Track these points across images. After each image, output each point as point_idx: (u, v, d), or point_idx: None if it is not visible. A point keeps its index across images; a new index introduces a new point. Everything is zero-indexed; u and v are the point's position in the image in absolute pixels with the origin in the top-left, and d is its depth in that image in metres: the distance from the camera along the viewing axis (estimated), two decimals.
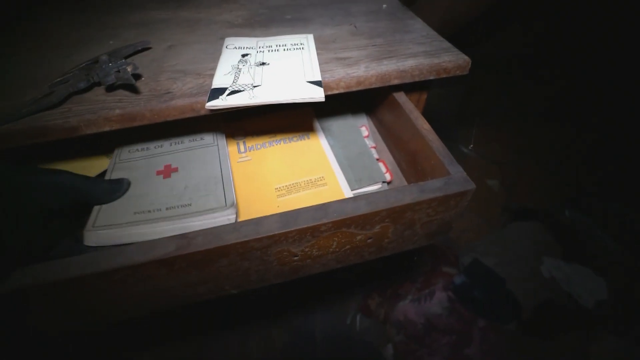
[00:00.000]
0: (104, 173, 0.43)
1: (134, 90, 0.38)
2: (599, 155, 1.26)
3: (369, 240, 0.35)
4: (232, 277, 0.34)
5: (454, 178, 0.34)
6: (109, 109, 0.36)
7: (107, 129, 0.36)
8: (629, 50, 1.20)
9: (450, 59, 0.43)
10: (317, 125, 0.51)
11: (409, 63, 0.42)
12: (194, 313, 0.88)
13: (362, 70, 0.41)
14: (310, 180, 0.43)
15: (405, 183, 0.46)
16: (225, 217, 0.35)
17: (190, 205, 0.35)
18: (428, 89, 0.50)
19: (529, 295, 0.91)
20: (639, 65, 1.20)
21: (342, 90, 0.41)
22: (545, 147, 1.31)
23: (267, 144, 0.48)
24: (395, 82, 0.42)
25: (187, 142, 0.44)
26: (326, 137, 0.50)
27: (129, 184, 0.38)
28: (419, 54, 0.44)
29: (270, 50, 0.44)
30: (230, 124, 0.51)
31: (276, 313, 0.94)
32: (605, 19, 1.19)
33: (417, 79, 0.43)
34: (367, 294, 0.95)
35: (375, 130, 0.54)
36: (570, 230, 1.06)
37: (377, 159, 0.48)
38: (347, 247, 0.35)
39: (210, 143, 0.44)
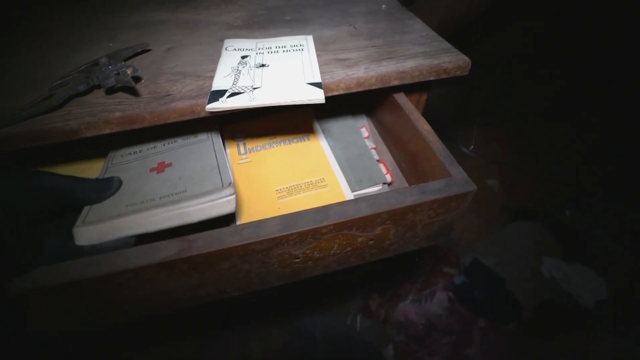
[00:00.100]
0: None
1: (133, 92, 0.38)
2: (599, 155, 1.26)
3: (370, 242, 0.35)
4: (233, 280, 0.34)
5: (455, 179, 0.34)
6: (109, 111, 0.36)
7: (107, 131, 0.36)
8: (629, 50, 1.20)
9: (450, 60, 0.43)
10: (317, 126, 0.51)
11: (409, 64, 0.42)
12: (194, 313, 0.88)
13: (362, 72, 0.41)
14: (311, 181, 0.43)
15: (406, 184, 0.46)
16: (223, 199, 0.33)
17: (185, 191, 0.34)
18: (428, 90, 0.50)
19: (529, 295, 0.91)
20: (639, 65, 1.20)
21: (342, 92, 0.41)
22: (545, 147, 1.31)
23: (267, 146, 0.48)
24: (395, 83, 0.42)
25: (180, 140, 0.43)
26: (326, 138, 0.50)
27: (119, 182, 0.36)
28: (419, 54, 0.44)
29: (269, 52, 0.44)
30: (230, 125, 0.51)
31: (276, 314, 0.94)
32: (605, 19, 1.19)
33: (417, 80, 0.43)
34: (368, 295, 0.95)
35: (375, 131, 0.54)
36: (570, 230, 1.06)
37: (378, 160, 0.48)
38: (349, 249, 0.35)
39: (205, 139, 0.43)
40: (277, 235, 0.29)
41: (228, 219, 0.43)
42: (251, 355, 0.88)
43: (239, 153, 0.47)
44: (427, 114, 0.51)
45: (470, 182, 0.34)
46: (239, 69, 0.41)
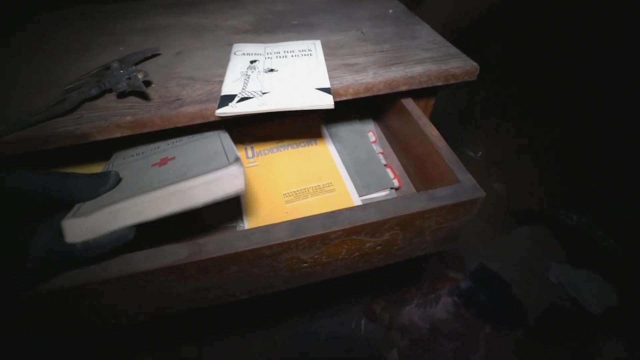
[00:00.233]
0: None
1: (144, 97, 0.38)
2: (601, 156, 1.26)
3: (378, 248, 0.35)
4: (241, 283, 0.34)
5: (463, 186, 0.34)
6: (120, 115, 0.36)
7: (118, 135, 0.37)
8: (629, 50, 1.19)
9: (458, 65, 0.43)
10: (324, 130, 0.51)
11: (417, 69, 0.43)
12: (196, 314, 0.88)
13: (370, 77, 0.41)
14: (319, 186, 0.43)
15: (413, 189, 0.46)
16: (230, 175, 0.29)
17: (186, 175, 0.30)
18: (435, 95, 0.50)
19: (535, 300, 0.91)
20: (639, 65, 1.19)
21: (350, 97, 0.41)
22: (548, 149, 1.31)
23: (275, 150, 0.48)
24: (403, 88, 0.42)
25: (185, 139, 0.40)
26: (334, 142, 0.50)
27: (117, 177, 0.33)
28: (427, 60, 0.45)
29: (278, 57, 0.44)
30: (238, 129, 0.51)
31: (280, 316, 0.94)
32: (605, 18, 1.19)
33: (425, 85, 0.43)
34: (372, 299, 0.95)
35: (382, 135, 0.54)
36: (576, 235, 1.05)
37: (385, 165, 0.48)
38: (356, 254, 0.35)
39: (211, 135, 0.40)
40: (287, 240, 0.30)
41: (237, 213, 0.42)
42: (253, 356, 0.88)
43: (247, 157, 0.48)
44: (432, 117, 0.51)
45: (479, 189, 0.34)
46: (248, 73, 0.41)
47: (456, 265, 0.99)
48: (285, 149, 0.48)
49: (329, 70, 0.42)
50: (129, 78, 0.39)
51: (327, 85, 0.38)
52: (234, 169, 0.29)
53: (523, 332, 0.87)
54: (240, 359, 0.88)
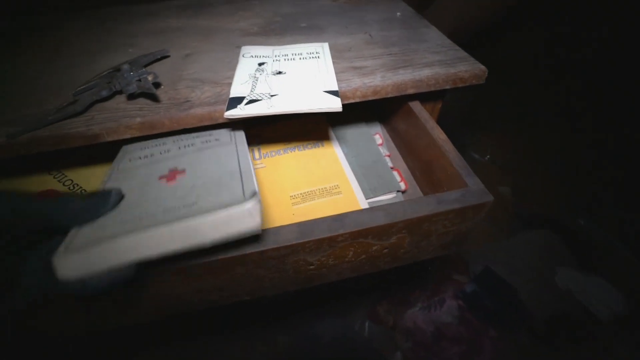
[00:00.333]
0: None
1: (154, 99, 0.39)
2: (609, 160, 1.24)
3: (384, 251, 0.35)
4: (246, 284, 0.35)
5: (471, 190, 0.34)
6: (130, 117, 0.37)
7: (128, 136, 0.37)
8: (637, 53, 1.18)
9: (466, 69, 0.43)
10: (331, 133, 0.51)
11: (425, 73, 0.43)
12: (197, 314, 0.89)
13: (378, 80, 0.41)
14: (325, 188, 0.44)
15: (420, 192, 0.46)
16: (245, 214, 0.25)
17: (195, 203, 0.27)
18: (443, 98, 0.50)
19: (542, 305, 0.90)
20: None
21: (358, 100, 0.41)
22: (555, 152, 1.29)
23: (281, 151, 0.49)
24: (411, 91, 0.42)
25: (199, 143, 0.37)
26: (340, 145, 0.50)
27: (119, 196, 0.29)
28: (435, 63, 0.44)
29: (286, 59, 0.45)
30: (245, 130, 0.52)
31: (283, 317, 0.94)
32: (606, 18, 1.17)
33: (433, 89, 0.43)
34: (376, 301, 0.95)
35: (389, 138, 0.54)
36: (583, 239, 1.04)
37: (392, 168, 0.48)
38: (363, 256, 0.35)
39: (227, 142, 0.37)
40: (294, 242, 0.30)
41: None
42: (255, 357, 0.88)
43: (254, 158, 0.48)
44: (438, 119, 0.51)
45: (487, 193, 0.34)
46: (256, 76, 0.41)
47: (461, 268, 0.98)
48: (292, 151, 0.48)
49: (336, 73, 0.42)
50: (139, 80, 0.39)
51: (335, 88, 0.38)
52: (249, 207, 0.25)
53: (529, 337, 0.86)
54: (242, 359, 0.88)
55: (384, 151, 0.51)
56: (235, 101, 0.37)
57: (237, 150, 0.35)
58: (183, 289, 0.33)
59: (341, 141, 0.51)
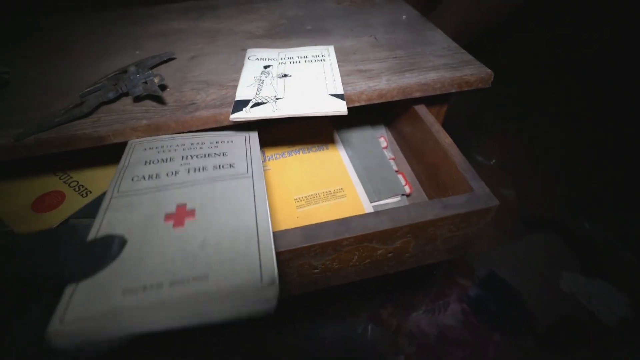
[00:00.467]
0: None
1: (160, 101, 0.39)
2: (614, 162, 1.23)
3: (389, 255, 0.35)
4: None
5: (477, 194, 0.34)
6: (136, 119, 0.37)
7: (134, 138, 0.37)
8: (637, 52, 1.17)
9: (472, 72, 0.43)
10: (336, 135, 0.51)
11: (431, 76, 0.42)
12: None
13: (383, 83, 0.41)
14: (330, 191, 0.43)
15: (425, 196, 0.46)
16: (261, 299, 0.23)
17: (207, 278, 0.24)
18: (448, 102, 0.49)
19: (547, 309, 0.89)
20: None
21: (363, 103, 0.41)
22: (559, 154, 1.29)
23: (286, 154, 0.48)
24: (417, 95, 0.42)
25: (210, 168, 0.32)
26: (345, 147, 0.50)
27: (122, 244, 0.25)
28: (440, 66, 0.44)
29: (291, 62, 0.45)
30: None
31: (285, 319, 0.94)
32: (606, 19, 1.17)
33: (438, 92, 0.43)
34: (379, 304, 0.94)
35: (393, 141, 0.54)
36: (589, 243, 1.03)
37: (396, 171, 0.48)
38: (368, 260, 0.35)
39: (243, 173, 0.32)
40: (299, 246, 0.30)
41: None
42: (257, 359, 0.88)
43: None
44: (443, 122, 0.51)
45: (493, 197, 0.34)
46: (262, 78, 0.41)
47: (465, 271, 0.98)
48: (297, 154, 0.48)
49: (342, 76, 0.42)
50: (146, 82, 0.39)
51: (341, 91, 0.38)
52: (268, 296, 0.23)
53: (533, 341, 0.86)
54: None
55: (388, 154, 0.51)
56: (241, 104, 0.37)
57: (254, 189, 0.31)
58: None
59: (346, 144, 0.51)
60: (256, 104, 0.37)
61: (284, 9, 0.63)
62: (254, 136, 0.38)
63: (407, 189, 0.46)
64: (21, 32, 0.57)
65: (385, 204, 0.45)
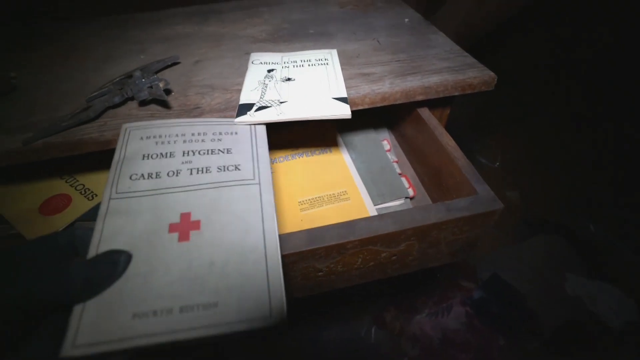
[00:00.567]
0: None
1: (165, 105, 0.39)
2: (619, 166, 1.23)
3: (393, 258, 0.35)
4: None
5: (480, 197, 0.34)
6: None
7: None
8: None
9: (475, 75, 0.43)
10: (339, 139, 0.51)
11: (434, 79, 0.43)
12: None
13: (387, 87, 0.41)
14: (333, 194, 0.44)
15: (428, 199, 0.46)
16: (270, 329, 0.24)
17: (216, 306, 0.23)
18: (451, 104, 0.50)
19: (551, 312, 0.88)
20: None
21: (366, 106, 0.41)
22: (564, 157, 1.28)
23: (289, 157, 0.49)
24: (420, 98, 0.42)
25: (214, 170, 0.30)
26: (348, 150, 0.50)
27: (127, 260, 0.24)
28: (443, 70, 0.45)
29: (295, 66, 0.45)
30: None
31: (289, 322, 0.94)
32: (606, 20, 1.17)
33: (441, 95, 0.43)
34: (383, 307, 0.94)
35: (397, 144, 0.54)
36: (593, 246, 1.03)
37: (400, 174, 0.48)
38: (372, 263, 0.35)
39: (249, 178, 0.30)
40: (304, 249, 0.30)
41: None
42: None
43: None
44: (446, 125, 0.51)
45: (497, 200, 0.34)
46: (266, 82, 0.42)
47: (468, 274, 0.97)
48: (300, 157, 0.49)
49: (345, 80, 0.42)
50: (151, 87, 0.40)
51: (344, 94, 0.38)
52: (275, 327, 0.23)
53: (537, 344, 0.85)
54: None
55: (392, 157, 0.51)
56: (245, 108, 0.37)
57: (261, 199, 0.29)
58: None
59: (349, 147, 0.51)
60: (260, 108, 0.37)
61: (287, 12, 0.63)
62: (260, 127, 0.35)
63: (410, 192, 0.46)
64: (28, 37, 0.58)
65: (388, 207, 0.45)
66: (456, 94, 0.43)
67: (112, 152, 0.38)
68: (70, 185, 0.45)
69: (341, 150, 0.50)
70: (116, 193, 0.28)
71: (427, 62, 0.46)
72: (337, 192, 0.44)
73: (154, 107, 0.40)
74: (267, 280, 0.25)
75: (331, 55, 0.47)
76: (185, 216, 0.27)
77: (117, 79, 0.43)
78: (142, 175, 0.29)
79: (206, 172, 0.30)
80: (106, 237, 0.25)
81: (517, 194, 1.18)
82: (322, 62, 0.45)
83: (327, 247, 0.30)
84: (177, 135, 0.33)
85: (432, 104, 0.46)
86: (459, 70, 0.44)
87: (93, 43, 0.55)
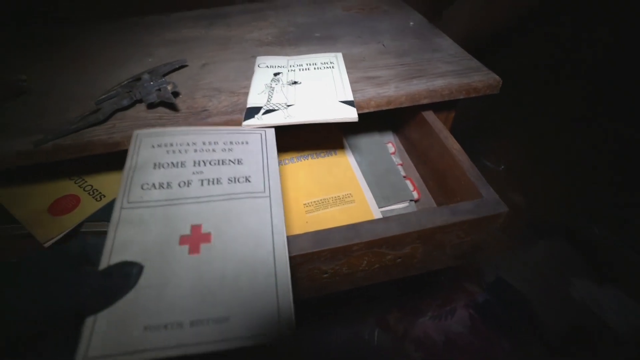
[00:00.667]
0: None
1: (173, 108, 0.40)
2: (626, 168, 1.22)
3: (398, 260, 0.35)
4: None
5: (486, 200, 0.34)
6: (149, 125, 0.38)
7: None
8: None
9: (480, 79, 0.43)
10: (344, 141, 0.52)
11: (439, 83, 0.43)
12: None
13: (392, 90, 0.41)
14: (338, 196, 0.44)
15: (433, 201, 0.46)
16: (279, 344, 0.24)
17: (227, 320, 0.23)
18: (455, 108, 0.50)
19: (556, 317, 0.88)
20: None
21: (372, 110, 0.41)
22: (570, 160, 1.28)
23: (295, 159, 0.49)
24: (425, 101, 0.42)
25: (225, 182, 0.30)
26: (353, 153, 0.50)
27: (139, 272, 0.24)
28: (448, 73, 0.45)
29: (301, 69, 0.45)
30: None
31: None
32: (607, 20, 1.16)
33: (446, 99, 0.43)
34: (386, 309, 0.94)
35: (401, 147, 0.54)
36: (600, 250, 1.02)
37: (404, 177, 0.48)
38: (376, 265, 0.35)
39: (260, 191, 0.30)
40: (310, 251, 0.30)
41: None
42: None
43: None
44: (451, 127, 0.51)
45: (502, 204, 0.34)
46: (272, 86, 0.42)
47: (472, 277, 0.97)
48: (306, 159, 0.49)
49: (351, 83, 0.42)
50: (159, 89, 0.40)
51: (351, 98, 0.39)
52: (284, 342, 0.24)
53: (543, 349, 0.85)
54: None
55: (396, 160, 0.51)
56: (253, 111, 0.38)
57: (271, 213, 0.29)
58: None
59: (354, 150, 0.51)
60: (268, 111, 0.37)
61: (292, 16, 0.64)
62: (270, 135, 0.35)
63: (415, 195, 0.46)
64: (38, 41, 0.58)
65: (393, 210, 0.45)
66: (461, 97, 0.43)
67: (120, 153, 0.39)
68: (79, 186, 0.46)
69: (346, 152, 0.50)
70: (128, 203, 0.28)
71: (432, 66, 0.46)
72: (342, 194, 0.44)
73: (162, 110, 0.40)
74: (277, 295, 0.25)
75: (337, 59, 0.47)
76: (196, 228, 0.27)
77: (126, 82, 0.44)
78: (154, 185, 0.29)
79: (217, 183, 0.30)
80: (117, 247, 0.25)
81: (521, 197, 1.17)
82: (328, 66, 0.46)
83: (332, 249, 0.30)
84: (188, 144, 0.32)
85: (437, 107, 0.46)
86: (463, 73, 0.44)
87: (101, 46, 0.56)
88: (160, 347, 0.22)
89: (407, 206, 0.46)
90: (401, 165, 0.51)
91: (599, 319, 0.87)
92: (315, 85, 0.41)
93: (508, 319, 0.88)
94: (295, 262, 0.31)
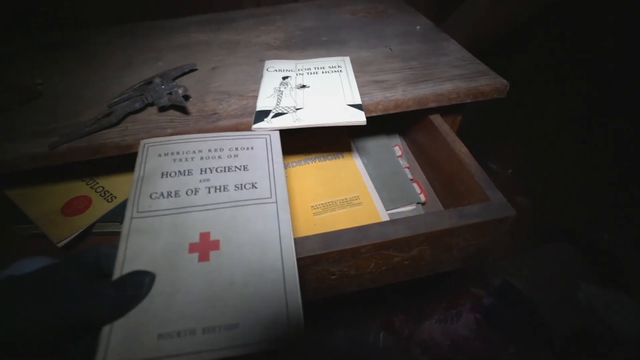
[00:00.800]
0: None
1: (184, 111, 0.41)
2: (633, 171, 1.21)
3: (405, 262, 0.36)
4: None
5: (493, 204, 0.34)
6: (161, 128, 0.39)
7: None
8: None
9: (487, 83, 0.44)
10: (351, 144, 0.52)
11: (446, 87, 0.43)
12: None
13: (399, 94, 0.42)
14: (346, 199, 0.44)
15: (440, 204, 0.46)
16: (288, 346, 0.24)
17: (237, 327, 0.24)
18: (463, 111, 0.50)
19: (563, 322, 0.87)
20: None
21: (380, 113, 0.42)
22: (577, 164, 1.27)
23: (302, 162, 0.50)
24: (432, 105, 0.43)
25: (232, 189, 0.31)
26: (360, 156, 0.51)
27: (151, 282, 0.25)
28: (456, 77, 0.45)
29: (309, 73, 0.46)
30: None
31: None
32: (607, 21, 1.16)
33: (454, 102, 0.43)
34: (392, 312, 0.94)
35: (408, 150, 0.55)
36: (607, 254, 1.01)
37: (411, 180, 0.49)
38: (384, 267, 0.36)
39: (266, 197, 0.30)
40: (319, 252, 0.30)
41: None
42: None
43: None
44: (458, 131, 0.51)
45: (509, 207, 0.34)
46: (281, 89, 0.43)
47: (478, 281, 0.97)
48: (313, 162, 0.50)
49: (358, 87, 0.43)
50: (170, 93, 0.41)
51: (359, 101, 0.39)
52: (293, 345, 0.24)
53: (548, 354, 0.84)
54: None
55: (403, 163, 0.52)
56: (262, 114, 0.38)
57: (278, 218, 0.29)
58: None
59: (361, 153, 0.52)
60: (277, 115, 0.38)
61: (299, 20, 0.65)
62: (275, 139, 0.35)
63: (422, 198, 0.46)
64: (53, 45, 0.60)
65: (400, 212, 0.45)
66: (468, 101, 0.44)
67: (131, 156, 0.39)
68: (91, 188, 0.47)
69: (353, 155, 0.50)
70: (137, 212, 0.28)
71: (439, 70, 0.47)
72: (350, 197, 0.45)
73: (173, 113, 0.41)
74: (285, 300, 0.25)
75: (344, 63, 0.48)
76: (204, 236, 0.27)
77: (137, 86, 0.45)
78: (162, 194, 0.30)
79: (224, 190, 0.31)
80: (130, 257, 0.26)
81: (528, 201, 1.17)
82: (336, 69, 0.46)
83: (341, 250, 0.31)
84: (194, 152, 0.33)
85: (444, 110, 0.47)
86: (471, 77, 0.45)
87: (112, 51, 0.57)
88: (174, 354, 0.22)
89: (414, 209, 0.46)
90: (408, 168, 0.51)
91: (606, 324, 0.87)
92: (323, 89, 0.42)
93: (514, 323, 0.87)
94: (304, 263, 0.31)
